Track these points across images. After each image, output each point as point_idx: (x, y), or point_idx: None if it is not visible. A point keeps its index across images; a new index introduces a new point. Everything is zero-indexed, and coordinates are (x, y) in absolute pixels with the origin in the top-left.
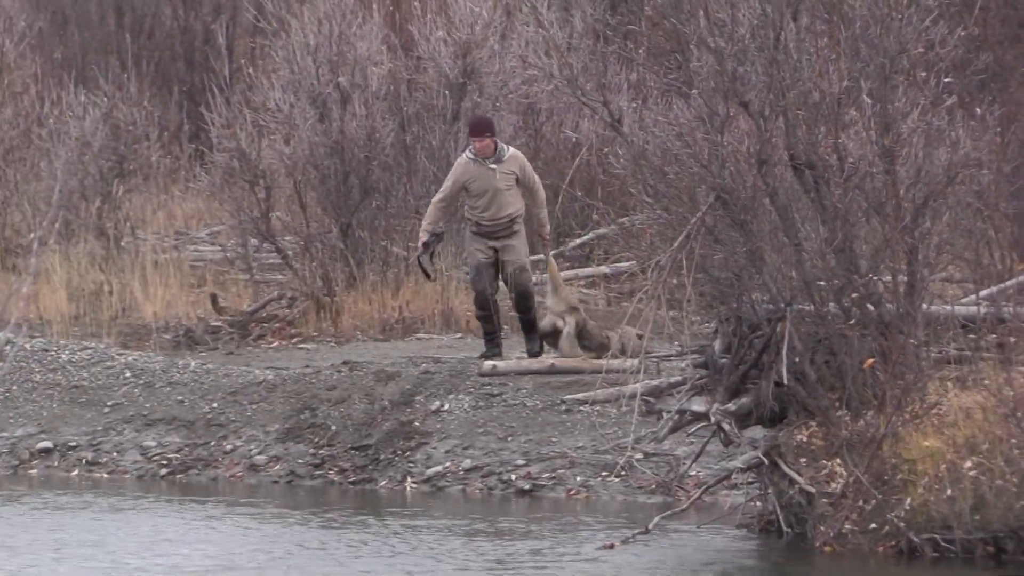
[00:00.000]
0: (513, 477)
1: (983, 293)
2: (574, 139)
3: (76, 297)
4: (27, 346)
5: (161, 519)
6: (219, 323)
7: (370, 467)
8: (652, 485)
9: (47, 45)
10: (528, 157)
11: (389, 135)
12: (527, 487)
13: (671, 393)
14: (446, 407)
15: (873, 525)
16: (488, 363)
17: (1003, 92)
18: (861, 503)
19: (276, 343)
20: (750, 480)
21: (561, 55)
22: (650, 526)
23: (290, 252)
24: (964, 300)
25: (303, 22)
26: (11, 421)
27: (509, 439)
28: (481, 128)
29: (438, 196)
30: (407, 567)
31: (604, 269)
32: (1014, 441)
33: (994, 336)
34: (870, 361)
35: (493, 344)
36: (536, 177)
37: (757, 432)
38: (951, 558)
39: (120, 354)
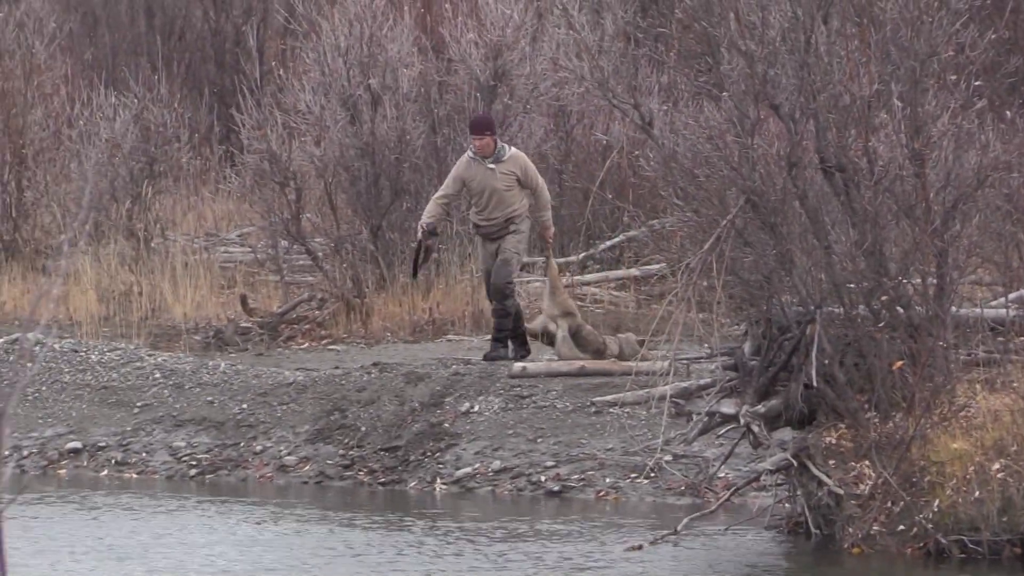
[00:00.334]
0: (542, 478)
1: (1012, 296)
2: (605, 141)
3: (106, 298)
4: (57, 346)
5: (201, 520)
6: (249, 324)
7: (400, 468)
8: (681, 487)
9: (77, 46)
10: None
11: (420, 137)
12: (556, 488)
13: (701, 395)
14: (476, 408)
15: (901, 527)
16: (518, 365)
17: None
18: (889, 505)
19: (306, 344)
20: (779, 482)
21: (592, 57)
22: (679, 527)
23: (320, 253)
24: (993, 303)
25: (334, 24)
26: (40, 421)
27: (539, 440)
28: (481, 126)
29: (439, 192)
30: (435, 568)
31: (634, 271)
32: None
33: (1023, 339)
34: (899, 363)
35: (500, 344)
36: (540, 180)
37: (786, 434)
38: (978, 560)
39: (150, 355)
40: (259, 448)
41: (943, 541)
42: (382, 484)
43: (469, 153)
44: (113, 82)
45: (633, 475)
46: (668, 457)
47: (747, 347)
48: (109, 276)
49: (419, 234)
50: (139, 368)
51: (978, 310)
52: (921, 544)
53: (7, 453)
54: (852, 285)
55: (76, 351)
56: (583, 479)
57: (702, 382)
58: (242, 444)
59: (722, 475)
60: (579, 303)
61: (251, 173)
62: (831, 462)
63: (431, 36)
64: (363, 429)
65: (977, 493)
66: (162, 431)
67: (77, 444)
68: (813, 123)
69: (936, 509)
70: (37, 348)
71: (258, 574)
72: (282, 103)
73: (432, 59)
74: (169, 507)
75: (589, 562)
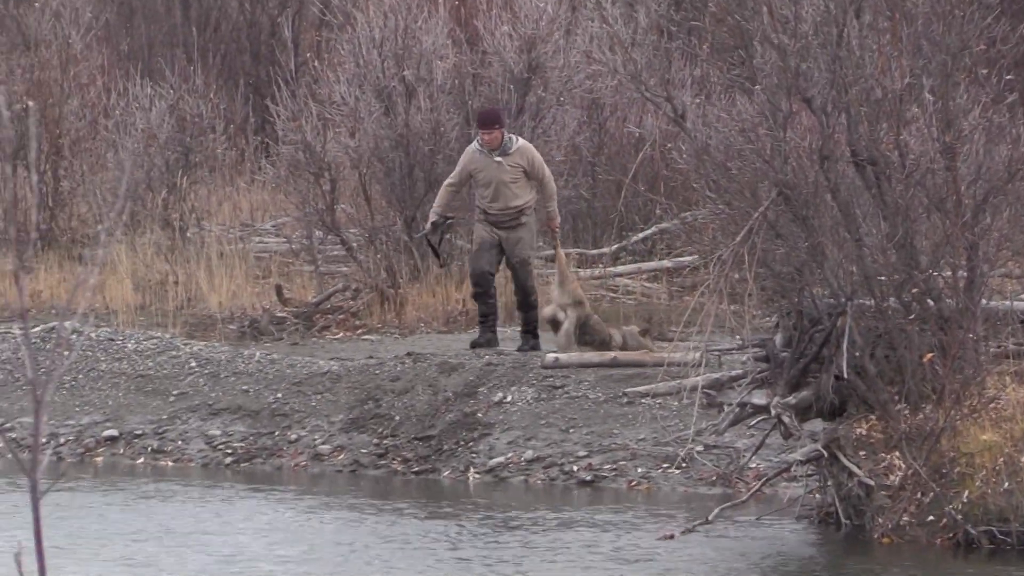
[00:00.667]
0: (575, 468)
1: None
2: (638, 134)
3: (142, 287)
4: (93, 335)
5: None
6: (284, 314)
7: (433, 457)
8: (712, 477)
9: (114, 37)
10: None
11: (454, 129)
12: (588, 478)
13: (732, 386)
14: (509, 399)
15: (931, 517)
16: (551, 355)
17: None
18: (919, 496)
19: (340, 334)
20: (809, 472)
21: (625, 51)
22: (710, 517)
23: (355, 244)
24: (1023, 296)
25: (368, 16)
26: (77, 409)
27: (571, 431)
28: (489, 120)
29: (448, 180)
30: (467, 555)
31: (666, 263)
32: None
33: None
34: (929, 356)
35: (487, 328)
36: (546, 171)
37: (817, 425)
38: (1007, 550)
39: (185, 344)
40: (294, 437)
41: (972, 532)
42: (416, 473)
43: (475, 145)
44: (149, 73)
45: (665, 465)
46: (699, 447)
47: (778, 339)
48: (145, 265)
49: (429, 226)
50: (175, 357)
51: (1008, 303)
52: (950, 535)
53: (44, 440)
54: (883, 278)
55: (112, 340)
56: (615, 469)
57: (733, 373)
58: (277, 433)
59: (753, 465)
60: (611, 294)
61: (286, 164)
62: (861, 453)
63: (465, 28)
64: (397, 418)
65: (1006, 484)
66: (198, 419)
67: (114, 432)
68: (845, 117)
69: (965, 500)
70: (74, 336)
71: (304, 562)
72: (317, 94)
73: (466, 51)
74: (204, 496)
75: (621, 551)
